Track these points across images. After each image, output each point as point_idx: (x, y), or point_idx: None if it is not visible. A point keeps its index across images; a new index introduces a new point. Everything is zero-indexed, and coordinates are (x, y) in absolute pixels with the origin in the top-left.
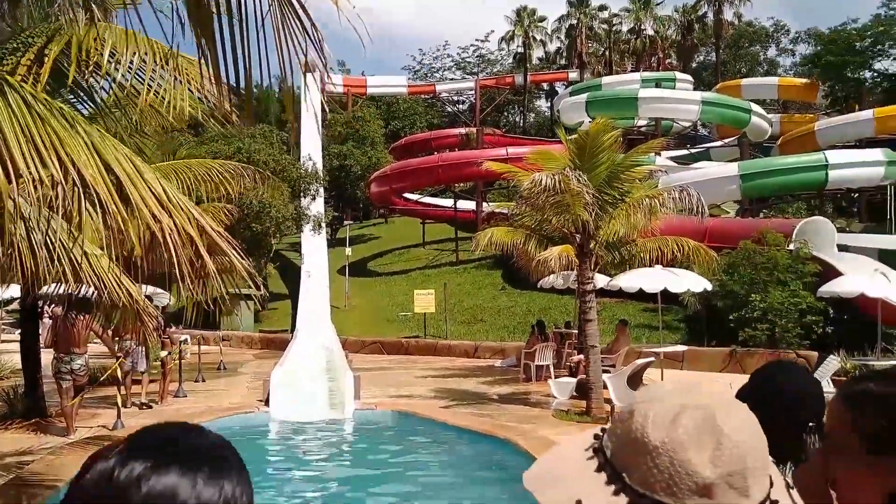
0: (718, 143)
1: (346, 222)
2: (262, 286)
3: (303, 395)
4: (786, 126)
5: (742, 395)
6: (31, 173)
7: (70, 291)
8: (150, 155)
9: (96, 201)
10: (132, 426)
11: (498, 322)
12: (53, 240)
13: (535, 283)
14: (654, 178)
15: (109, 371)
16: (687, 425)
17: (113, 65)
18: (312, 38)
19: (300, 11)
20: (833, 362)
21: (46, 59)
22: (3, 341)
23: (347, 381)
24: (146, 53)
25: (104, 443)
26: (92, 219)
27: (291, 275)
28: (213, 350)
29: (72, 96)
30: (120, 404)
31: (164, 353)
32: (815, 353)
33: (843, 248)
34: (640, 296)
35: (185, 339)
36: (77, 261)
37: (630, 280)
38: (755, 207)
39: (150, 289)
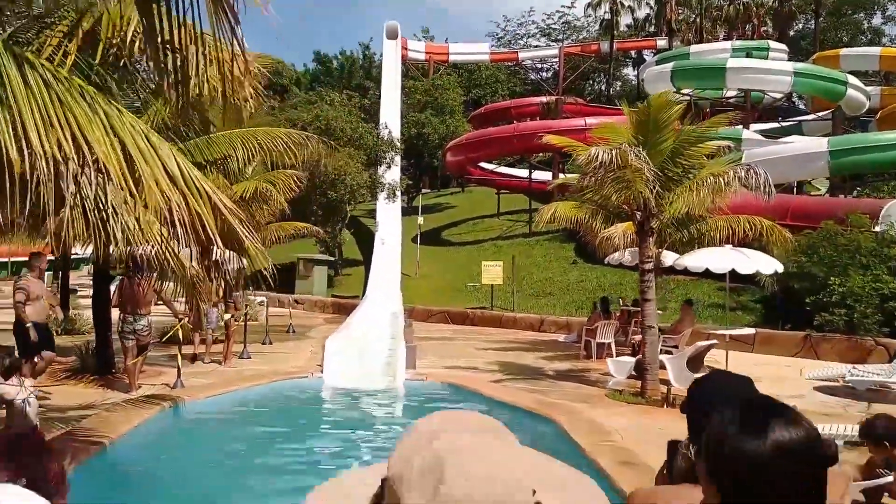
0: (811, 117)
1: (422, 191)
2: (335, 252)
3: (357, 362)
4: (887, 100)
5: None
6: (45, 150)
7: (132, 254)
8: (219, 123)
9: (107, 178)
10: (192, 385)
11: (566, 297)
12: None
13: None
14: (732, 152)
15: (171, 332)
16: (418, 465)
17: (138, 43)
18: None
19: None
20: None
21: (75, 36)
22: (85, 296)
23: (400, 350)
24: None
25: (162, 400)
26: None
27: (367, 242)
28: (286, 313)
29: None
30: (180, 364)
31: (227, 316)
32: None
33: None
34: (715, 275)
35: (262, 301)
36: (129, 226)
37: (697, 259)
38: (848, 185)
39: (219, 254)
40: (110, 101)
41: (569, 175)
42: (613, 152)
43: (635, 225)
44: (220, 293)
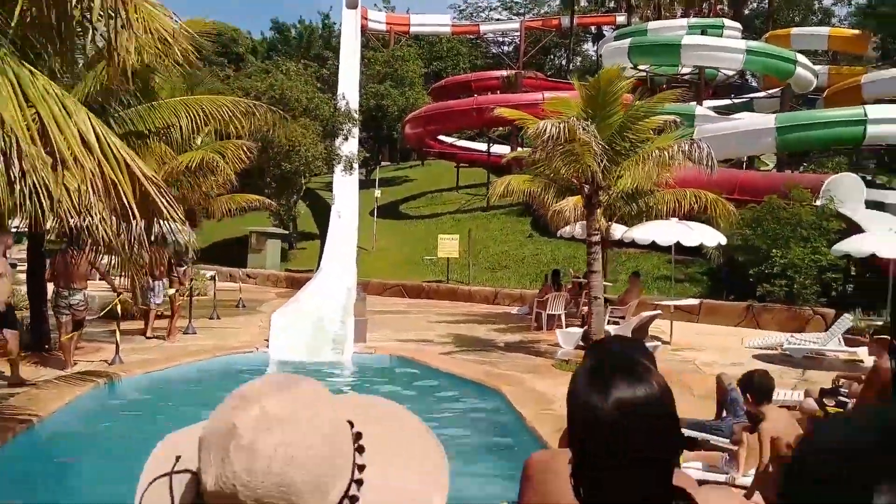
0: (762, 94)
1: (381, 163)
2: (289, 225)
3: (305, 336)
4: (834, 78)
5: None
6: None
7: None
8: (164, 88)
9: (13, 143)
10: (131, 361)
11: (522, 269)
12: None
13: None
14: (680, 128)
15: (109, 307)
16: (207, 432)
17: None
18: None
19: None
20: (846, 320)
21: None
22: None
23: (349, 324)
24: None
25: (97, 377)
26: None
27: (324, 215)
28: (237, 287)
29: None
30: (118, 340)
31: (171, 291)
32: (832, 311)
33: (878, 205)
34: (665, 248)
35: (213, 275)
36: (56, 196)
37: (644, 232)
38: (795, 161)
39: (167, 226)
40: (22, 63)
41: (522, 149)
42: (561, 126)
43: (583, 198)
44: (163, 267)
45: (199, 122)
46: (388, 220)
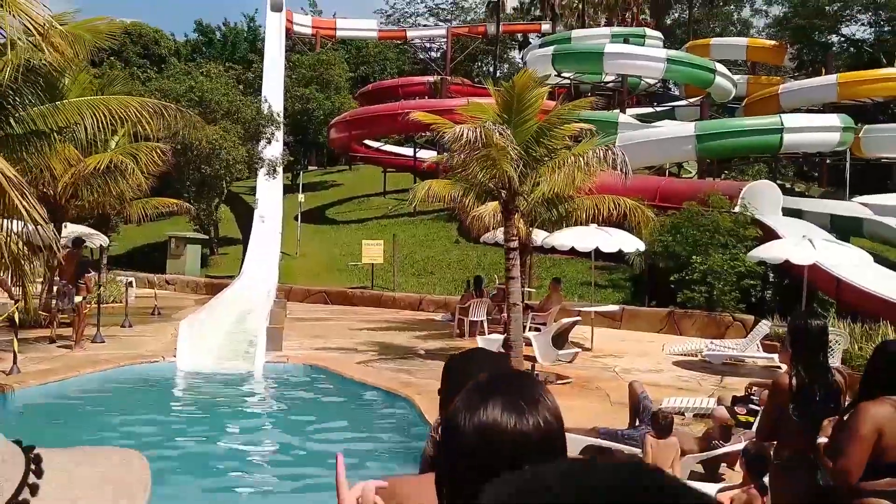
0: (683, 103)
1: (302, 167)
2: (210, 230)
3: (214, 344)
4: (753, 88)
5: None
6: None
7: None
8: (73, 90)
9: None
10: (29, 371)
11: (447, 275)
12: None
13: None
14: (597, 136)
15: (4, 315)
16: None
17: None
18: None
19: None
20: (764, 327)
21: None
22: None
23: (262, 332)
24: None
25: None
26: None
27: (247, 219)
28: (159, 293)
29: None
30: (16, 349)
31: (78, 298)
32: (752, 317)
33: (796, 213)
34: (589, 254)
35: (130, 282)
36: None
37: (563, 238)
38: (716, 169)
39: (82, 229)
40: None
41: (439, 154)
42: (478, 130)
43: (500, 204)
44: (70, 270)
45: (104, 122)
46: (314, 225)
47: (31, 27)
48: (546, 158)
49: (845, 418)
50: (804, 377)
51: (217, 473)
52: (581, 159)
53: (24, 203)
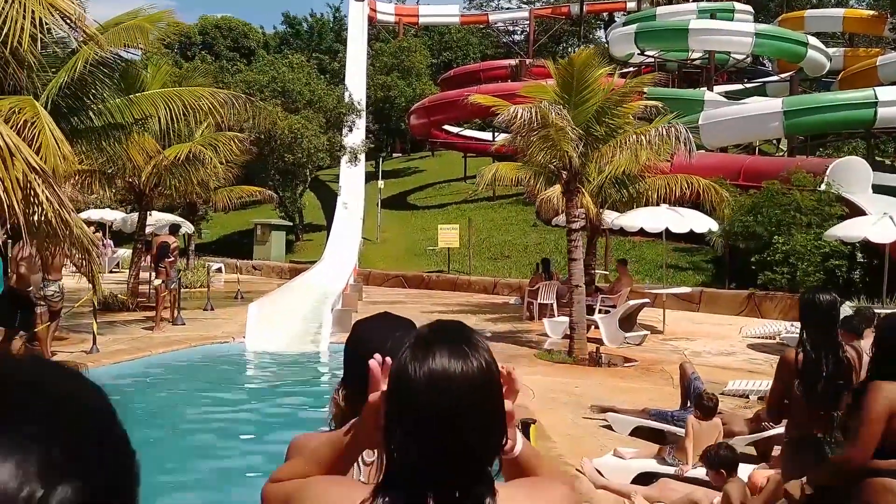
0: (775, 78)
1: (392, 154)
2: (295, 217)
3: (286, 328)
4: (850, 61)
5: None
6: None
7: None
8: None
9: None
10: (108, 351)
11: (524, 259)
12: None
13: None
14: (665, 114)
15: (84, 299)
16: None
17: None
18: None
19: None
20: (845, 309)
21: None
22: None
23: (327, 315)
24: None
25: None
26: None
27: (332, 206)
28: (244, 278)
29: None
30: (95, 330)
31: (157, 282)
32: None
33: (891, 190)
34: (671, 235)
35: (220, 268)
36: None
37: (632, 219)
38: (811, 145)
39: (167, 217)
40: None
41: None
42: (533, 110)
43: (562, 185)
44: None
45: (178, 113)
46: (395, 211)
47: (60, 19)
48: (608, 137)
49: (860, 398)
50: (811, 353)
51: (249, 443)
52: (644, 137)
53: (48, 193)
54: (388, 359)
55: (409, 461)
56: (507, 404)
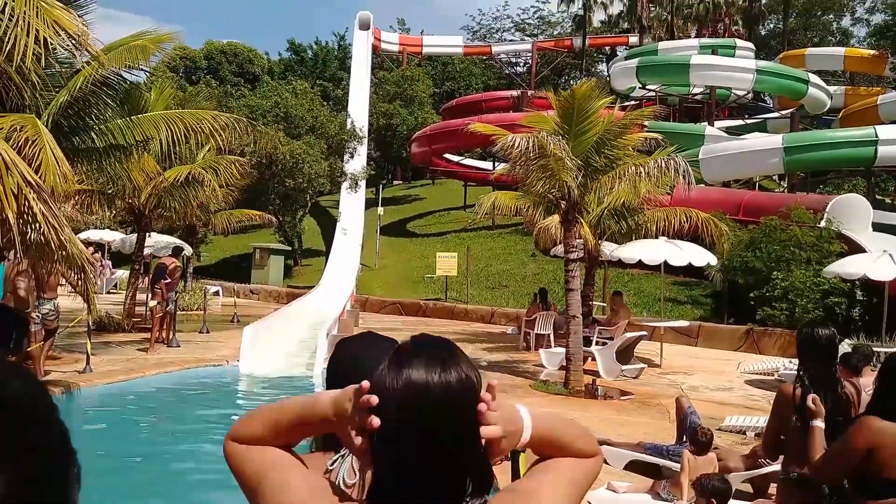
0: (775, 115)
1: (392, 182)
2: (294, 242)
3: (277, 350)
4: (850, 99)
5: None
6: None
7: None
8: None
9: None
10: (101, 371)
11: (522, 289)
12: None
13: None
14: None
15: (77, 320)
16: None
17: None
18: None
19: None
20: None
21: None
22: None
23: (320, 340)
24: None
25: (55, 386)
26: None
27: (331, 232)
28: (242, 302)
29: None
30: (89, 350)
31: (153, 303)
32: None
33: (892, 228)
34: (670, 269)
35: (217, 291)
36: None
37: (631, 251)
38: (811, 182)
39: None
40: None
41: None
42: (531, 140)
43: (560, 215)
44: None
45: (179, 135)
46: (394, 238)
47: (63, 35)
48: (608, 168)
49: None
50: (809, 388)
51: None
52: (643, 169)
53: (43, 209)
54: (366, 382)
55: (392, 470)
56: (495, 430)
